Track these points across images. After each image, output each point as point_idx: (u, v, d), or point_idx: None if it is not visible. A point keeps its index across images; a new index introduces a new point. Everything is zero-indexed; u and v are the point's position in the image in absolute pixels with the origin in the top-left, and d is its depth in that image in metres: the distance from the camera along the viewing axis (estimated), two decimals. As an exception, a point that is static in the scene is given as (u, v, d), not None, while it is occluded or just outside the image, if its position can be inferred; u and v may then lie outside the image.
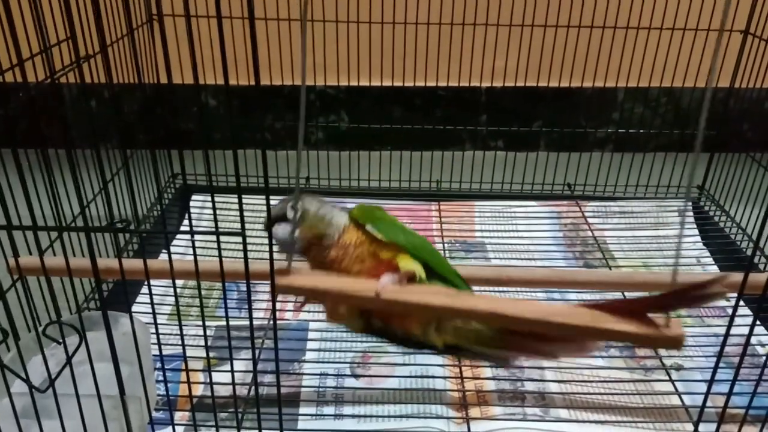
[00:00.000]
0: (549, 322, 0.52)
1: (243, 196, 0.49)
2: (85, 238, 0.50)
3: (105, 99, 1.00)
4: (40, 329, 0.53)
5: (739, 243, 1.01)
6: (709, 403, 0.69)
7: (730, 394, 0.55)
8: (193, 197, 1.13)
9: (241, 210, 0.48)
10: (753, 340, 0.83)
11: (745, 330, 0.83)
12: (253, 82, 0.45)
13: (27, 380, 0.52)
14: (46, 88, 0.58)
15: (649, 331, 0.51)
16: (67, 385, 0.52)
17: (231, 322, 0.84)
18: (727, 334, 0.54)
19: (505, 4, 1.04)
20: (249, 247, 0.50)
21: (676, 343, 0.51)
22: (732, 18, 1.01)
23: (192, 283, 0.93)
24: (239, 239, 0.48)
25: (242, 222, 0.49)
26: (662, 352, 0.81)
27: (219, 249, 0.49)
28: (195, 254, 0.51)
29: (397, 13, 1.04)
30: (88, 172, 0.61)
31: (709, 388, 0.56)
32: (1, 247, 0.60)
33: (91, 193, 0.72)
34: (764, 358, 0.81)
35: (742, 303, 0.88)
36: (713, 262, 0.99)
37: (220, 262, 0.51)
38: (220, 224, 0.97)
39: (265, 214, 0.55)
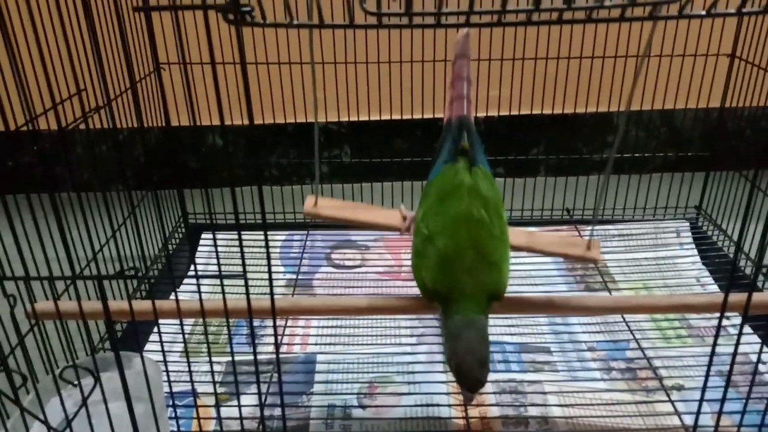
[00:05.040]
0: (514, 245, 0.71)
1: (248, 232, 0.52)
2: (97, 284, 0.52)
3: (115, 143, 1.04)
4: (57, 372, 0.55)
5: (737, 262, 1.03)
6: (710, 422, 0.70)
7: (720, 412, 0.57)
8: (203, 235, 1.16)
9: (241, 249, 0.51)
10: (753, 357, 0.84)
11: (746, 348, 0.85)
12: (258, 122, 0.49)
13: (45, 422, 0.54)
14: (56, 139, 0.61)
15: (574, 252, 0.69)
16: (84, 426, 0.54)
17: (242, 357, 0.87)
18: (714, 346, 0.56)
19: (495, 41, 1.08)
20: (255, 282, 0.53)
21: (594, 260, 0.70)
22: (718, 42, 1.05)
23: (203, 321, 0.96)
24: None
25: (243, 262, 0.51)
26: (662, 372, 0.82)
27: (223, 291, 0.52)
28: (200, 295, 0.54)
29: (393, 53, 1.07)
30: (100, 216, 0.64)
31: (699, 406, 0.58)
32: (19, 295, 0.63)
33: (103, 236, 0.75)
34: (753, 374, 0.82)
35: (738, 322, 0.90)
36: (713, 282, 1.01)
37: (224, 303, 0.54)
38: (228, 260, 1.01)
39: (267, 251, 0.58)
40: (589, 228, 1.14)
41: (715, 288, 1.00)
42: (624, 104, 1.10)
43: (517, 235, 0.71)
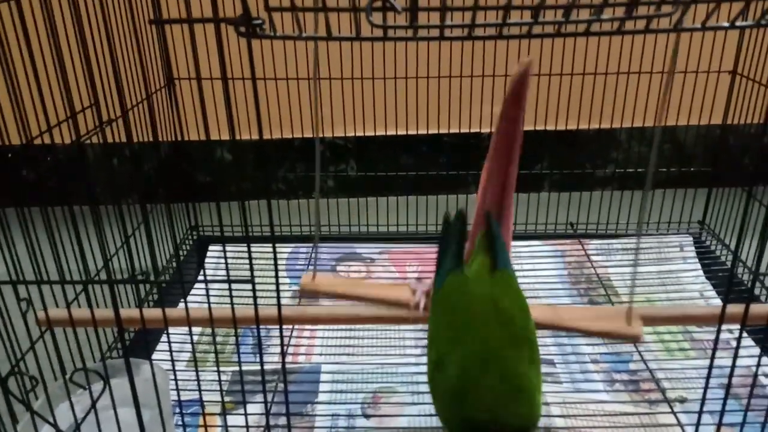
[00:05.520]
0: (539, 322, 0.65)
1: (256, 244, 0.53)
2: (108, 289, 0.54)
3: (126, 157, 1.06)
4: (67, 376, 0.56)
5: (740, 275, 1.03)
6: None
7: (720, 424, 0.57)
8: (210, 247, 1.17)
9: (250, 257, 0.52)
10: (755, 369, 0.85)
11: (749, 361, 0.85)
12: (265, 137, 0.50)
13: (55, 425, 0.55)
14: (72, 150, 0.63)
15: (615, 330, 0.63)
16: (93, 430, 0.55)
17: (247, 367, 0.88)
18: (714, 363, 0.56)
19: (499, 57, 1.10)
20: (261, 294, 0.54)
21: (635, 338, 0.64)
22: (720, 59, 1.06)
23: (210, 330, 0.97)
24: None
25: (251, 269, 0.53)
26: (665, 385, 0.82)
27: (231, 296, 0.53)
28: (209, 302, 0.55)
29: (398, 69, 1.09)
30: (110, 227, 0.66)
31: (699, 418, 0.58)
32: (30, 301, 0.65)
33: (113, 246, 0.76)
34: (752, 386, 0.82)
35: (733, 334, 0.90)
36: (716, 296, 1.01)
37: (232, 308, 0.55)
38: (237, 272, 1.02)
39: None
40: (595, 242, 1.15)
41: (718, 302, 1.00)
42: (627, 120, 1.12)
43: (541, 312, 0.63)
